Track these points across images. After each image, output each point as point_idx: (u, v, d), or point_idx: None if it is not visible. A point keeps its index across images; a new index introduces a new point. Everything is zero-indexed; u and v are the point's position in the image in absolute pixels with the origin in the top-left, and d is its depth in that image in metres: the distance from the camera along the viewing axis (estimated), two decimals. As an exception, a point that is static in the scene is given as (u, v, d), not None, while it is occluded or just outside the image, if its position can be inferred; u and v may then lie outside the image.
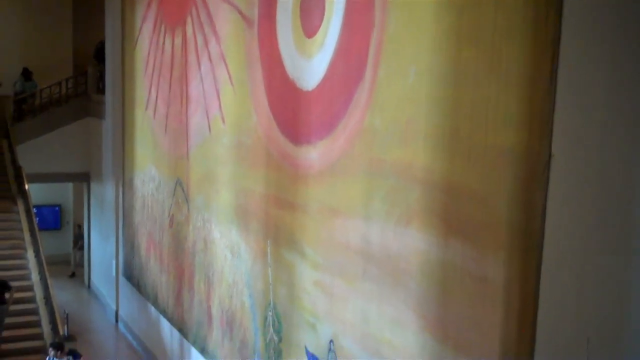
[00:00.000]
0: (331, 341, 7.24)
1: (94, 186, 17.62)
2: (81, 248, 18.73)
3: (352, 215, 7.04)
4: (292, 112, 7.89)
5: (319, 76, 7.39)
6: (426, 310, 6.04)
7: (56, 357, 9.73)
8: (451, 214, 5.64)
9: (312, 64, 7.48)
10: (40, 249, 13.66)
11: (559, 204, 4.82)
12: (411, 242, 6.26)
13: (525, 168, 5.00)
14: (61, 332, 11.65)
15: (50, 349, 9.89)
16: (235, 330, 9.38)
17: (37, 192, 17.31)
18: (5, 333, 11.90)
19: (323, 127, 7.35)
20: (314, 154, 7.55)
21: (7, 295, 11.76)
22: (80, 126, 17.38)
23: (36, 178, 16.38)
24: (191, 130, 10.80)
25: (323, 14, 7.37)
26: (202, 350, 10.44)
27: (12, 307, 12.21)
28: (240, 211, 9.26)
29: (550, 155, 4.81)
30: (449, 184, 5.66)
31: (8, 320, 12.00)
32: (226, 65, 9.47)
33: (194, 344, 10.81)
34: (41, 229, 15.20)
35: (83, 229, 18.80)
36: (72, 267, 18.91)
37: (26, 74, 17.71)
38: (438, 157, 5.89)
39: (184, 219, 11.09)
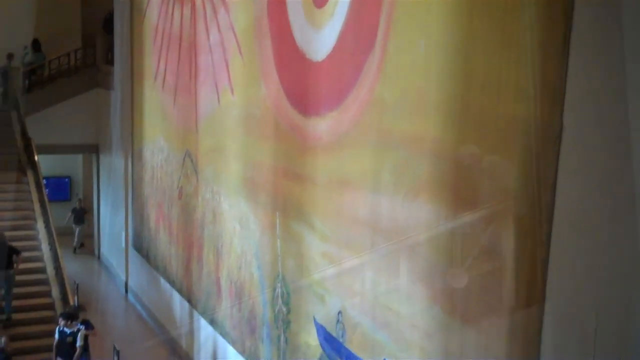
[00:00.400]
0: (339, 312, 7.25)
1: (103, 158, 17.64)
2: (81, 222, 18.29)
3: (360, 187, 7.01)
4: (302, 84, 7.83)
5: (329, 47, 7.33)
6: (435, 282, 6.04)
7: (66, 327, 9.80)
8: (461, 185, 5.62)
9: (321, 35, 7.41)
10: (50, 220, 13.73)
11: (569, 175, 4.79)
12: (420, 214, 6.24)
13: (536, 140, 4.95)
14: (71, 303, 11.72)
15: (61, 319, 9.95)
16: (244, 302, 9.42)
17: (46, 163, 17.33)
18: (16, 303, 12.00)
19: (332, 98, 7.30)
20: (323, 126, 7.50)
21: (14, 259, 11.84)
22: (89, 97, 17.36)
23: (45, 149, 16.41)
24: (200, 102, 10.76)
25: (333, -16, 7.29)
26: (211, 321, 10.50)
27: (23, 278, 12.30)
28: (249, 183, 9.25)
29: (561, 127, 4.76)
30: (459, 155, 5.63)
31: (19, 290, 12.10)
32: (235, 35, 9.40)
33: (202, 314, 10.87)
34: (51, 200, 15.24)
35: (83, 203, 18.62)
36: (76, 244, 18.28)
37: (35, 45, 17.66)
38: (449, 129, 5.84)
39: (193, 190, 11.10)
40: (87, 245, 18.52)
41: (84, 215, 18.25)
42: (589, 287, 4.74)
